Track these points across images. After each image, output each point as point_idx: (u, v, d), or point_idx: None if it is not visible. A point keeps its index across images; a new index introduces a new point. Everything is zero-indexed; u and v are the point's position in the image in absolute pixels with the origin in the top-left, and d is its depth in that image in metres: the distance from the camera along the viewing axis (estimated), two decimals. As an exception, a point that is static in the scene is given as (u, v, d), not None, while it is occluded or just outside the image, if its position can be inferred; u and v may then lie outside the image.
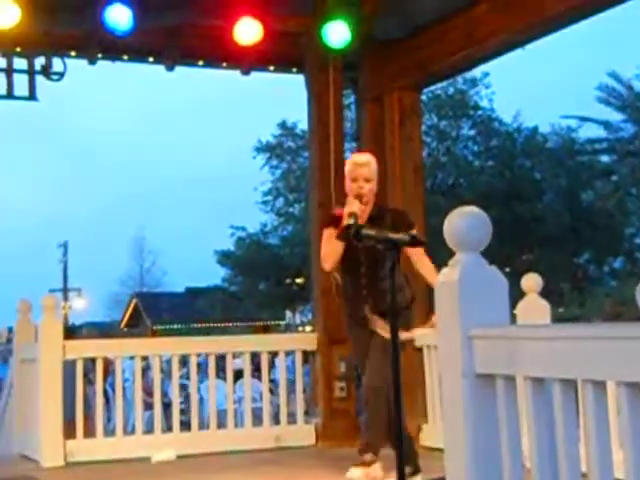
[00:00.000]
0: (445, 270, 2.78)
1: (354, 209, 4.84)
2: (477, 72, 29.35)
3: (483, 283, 2.69)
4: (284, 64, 7.87)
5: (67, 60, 7.09)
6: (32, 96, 7.01)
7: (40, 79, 7.01)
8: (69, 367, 6.65)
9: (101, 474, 6.16)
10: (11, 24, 6.22)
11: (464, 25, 6.62)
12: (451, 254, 2.80)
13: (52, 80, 7.05)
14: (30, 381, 6.86)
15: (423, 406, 6.75)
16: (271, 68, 7.89)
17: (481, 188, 28.25)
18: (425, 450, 6.29)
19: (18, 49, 6.93)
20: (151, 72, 7.69)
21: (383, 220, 4.95)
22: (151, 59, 7.52)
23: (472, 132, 31.39)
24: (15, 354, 7.42)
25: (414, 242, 3.76)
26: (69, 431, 6.59)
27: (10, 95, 6.94)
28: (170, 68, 7.52)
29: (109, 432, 7.07)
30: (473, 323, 2.65)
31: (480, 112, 31.01)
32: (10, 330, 7.92)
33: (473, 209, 2.83)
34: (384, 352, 4.80)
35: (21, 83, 6.96)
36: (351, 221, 4.75)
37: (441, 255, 3.62)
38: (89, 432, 6.75)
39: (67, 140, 79.32)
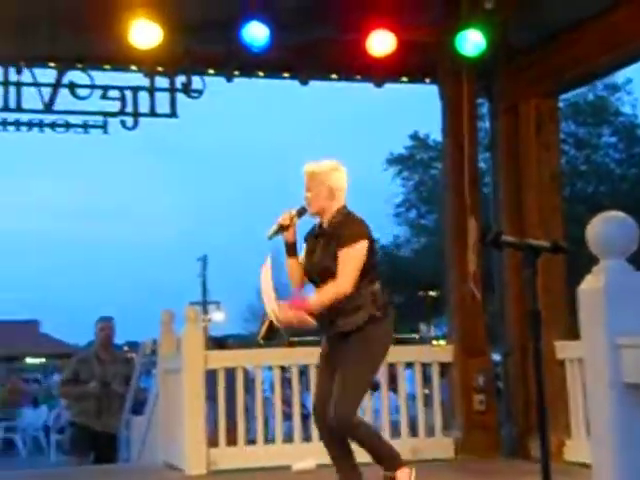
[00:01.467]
0: (588, 277, 2.72)
1: (281, 221, 4.78)
2: (618, 78, 28.49)
3: (630, 290, 2.62)
4: (417, 74, 7.85)
5: (205, 77, 7.32)
6: (173, 113, 7.26)
7: (180, 96, 7.27)
8: (211, 377, 6.80)
9: (243, 482, 6.27)
10: (153, 44, 6.46)
11: (601, 30, 6.44)
12: (592, 262, 2.73)
13: (192, 97, 7.28)
14: (174, 391, 7.05)
15: (565, 420, 6.58)
16: (404, 79, 7.89)
17: (623, 197, 27.30)
18: (569, 465, 6.13)
19: (160, 68, 7.19)
20: (284, 87, 7.83)
21: (334, 236, 4.72)
22: (286, 74, 7.65)
23: (613, 139, 30.43)
24: (159, 364, 7.66)
25: (556, 249, 3.66)
26: (212, 439, 6.73)
27: (152, 113, 7.22)
28: (304, 83, 7.63)
29: (250, 441, 7.19)
30: (620, 331, 2.58)
31: (622, 118, 30.03)
32: (154, 342, 8.17)
33: (618, 214, 2.75)
34: (350, 377, 4.63)
35: (162, 101, 7.24)
36: (269, 234, 4.76)
37: (583, 265, 3.52)
38: (231, 441, 6.88)
39: (206, 156, 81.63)
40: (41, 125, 7.11)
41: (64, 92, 7.06)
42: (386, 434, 7.04)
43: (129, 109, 7.16)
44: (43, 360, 40.73)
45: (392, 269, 33.66)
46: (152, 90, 7.19)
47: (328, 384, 4.74)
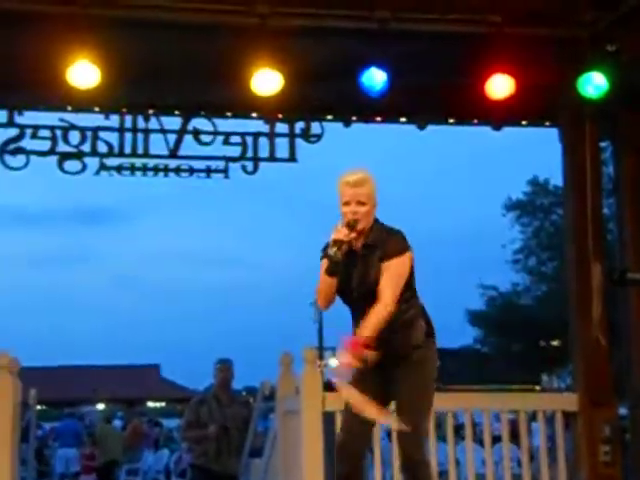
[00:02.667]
0: None
1: (340, 236, 4.21)
2: None
3: None
4: (537, 117, 7.74)
5: (324, 123, 7.44)
6: (292, 158, 7.40)
7: (298, 141, 7.40)
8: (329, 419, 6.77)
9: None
10: (273, 91, 6.60)
11: None
12: None
13: (310, 142, 7.41)
14: (292, 432, 7.05)
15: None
16: (523, 122, 7.80)
17: None
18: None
19: (280, 115, 7.35)
20: (399, 130, 7.85)
21: (377, 248, 4.27)
22: (403, 119, 7.67)
23: None
24: (277, 406, 7.69)
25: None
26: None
27: (272, 157, 7.38)
28: (422, 127, 7.63)
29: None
30: None
31: None
32: (272, 386, 8.21)
33: None
34: (422, 409, 4.30)
35: (281, 146, 7.39)
36: (333, 251, 4.20)
37: None
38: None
39: (324, 202, 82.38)
40: (166, 170, 7.34)
41: (188, 138, 7.33)
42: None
43: (249, 154, 7.34)
44: (163, 404, 41.54)
45: (510, 317, 33.07)
46: (272, 136, 7.36)
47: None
